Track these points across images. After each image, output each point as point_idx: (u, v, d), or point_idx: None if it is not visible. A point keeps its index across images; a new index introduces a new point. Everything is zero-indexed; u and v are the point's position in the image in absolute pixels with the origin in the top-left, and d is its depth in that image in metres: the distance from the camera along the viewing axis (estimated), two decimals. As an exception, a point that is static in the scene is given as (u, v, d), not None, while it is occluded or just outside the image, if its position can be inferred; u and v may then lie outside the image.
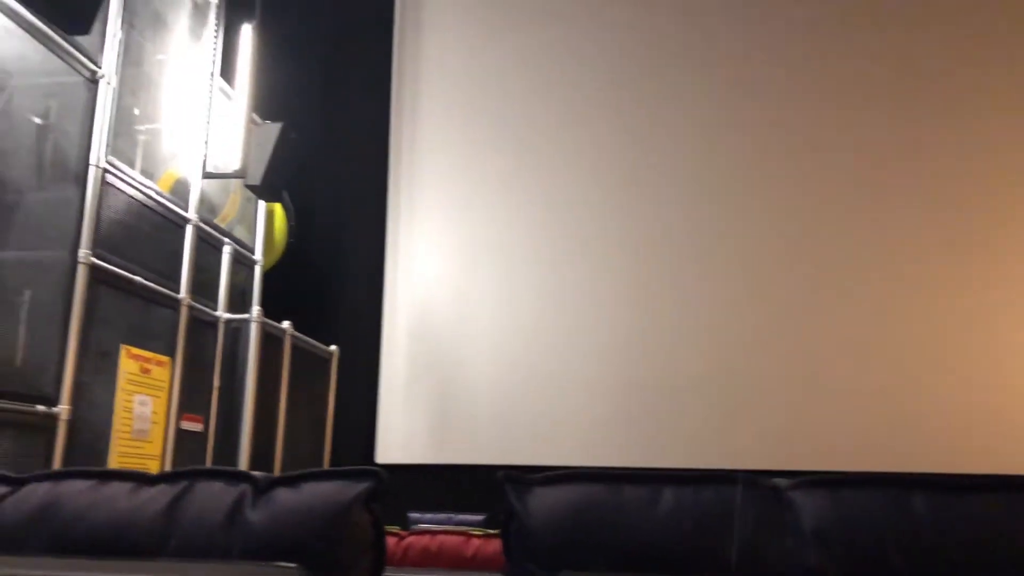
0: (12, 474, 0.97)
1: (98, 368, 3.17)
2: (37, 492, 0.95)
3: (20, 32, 2.85)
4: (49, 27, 2.92)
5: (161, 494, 0.95)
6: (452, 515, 4.14)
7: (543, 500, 1.05)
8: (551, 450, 5.34)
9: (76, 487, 0.95)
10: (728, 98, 5.65)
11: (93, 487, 0.95)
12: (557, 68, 5.93)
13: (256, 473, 0.98)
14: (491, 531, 2.35)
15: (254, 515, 0.95)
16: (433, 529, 2.42)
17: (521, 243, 5.74)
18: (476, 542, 2.21)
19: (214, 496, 0.95)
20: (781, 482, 1.02)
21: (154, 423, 3.41)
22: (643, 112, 5.77)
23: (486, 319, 5.66)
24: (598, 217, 5.68)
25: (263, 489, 0.97)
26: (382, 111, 6.08)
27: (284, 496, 0.97)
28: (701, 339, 5.42)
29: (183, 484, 0.96)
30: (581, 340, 5.52)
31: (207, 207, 4.08)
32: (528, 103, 5.91)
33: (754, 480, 1.02)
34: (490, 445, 5.46)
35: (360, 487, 0.99)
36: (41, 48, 2.96)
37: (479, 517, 3.98)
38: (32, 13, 2.83)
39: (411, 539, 2.30)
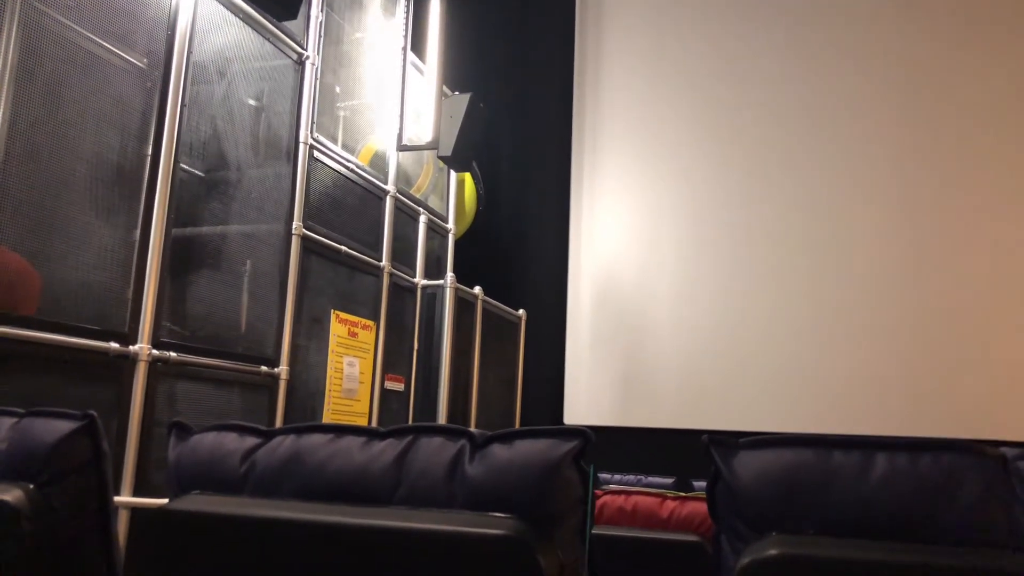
0: (262, 427, 1.09)
1: (311, 332, 3.42)
2: (284, 443, 1.06)
3: (237, 22, 3.09)
4: (262, 15, 3.15)
5: (390, 447, 1.03)
6: (641, 477, 4.17)
7: (750, 463, 1.05)
8: (734, 415, 5.26)
9: (316, 440, 1.05)
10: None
11: (331, 440, 1.05)
12: (744, 29, 5.73)
13: (473, 430, 1.05)
14: (683, 494, 2.35)
15: (472, 469, 1.02)
16: (627, 490, 2.45)
17: (704, 210, 5.63)
18: (671, 504, 2.23)
19: (437, 450, 1.02)
20: (1009, 451, 0.97)
21: (361, 383, 3.65)
22: (839, 71, 5.48)
23: (668, 285, 5.61)
24: (783, 184, 5.48)
25: (480, 445, 1.03)
26: (565, 79, 6.11)
27: (499, 452, 1.02)
28: (891, 303, 5.13)
29: (409, 438, 1.04)
30: (763, 307, 5.37)
31: (403, 178, 4.28)
32: (713, 69, 5.76)
33: (977, 448, 0.97)
34: (674, 409, 5.44)
35: (569, 445, 1.03)
36: (255, 35, 3.20)
37: (669, 480, 3.99)
38: (247, 3, 3.06)
39: (606, 498, 2.35)
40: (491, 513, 0.99)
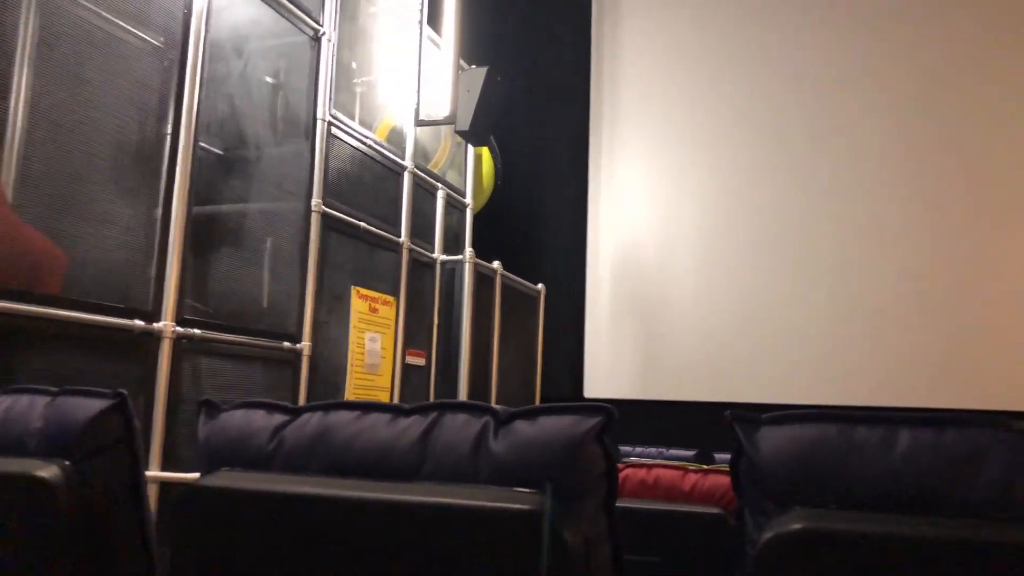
0: (289, 404, 1.11)
1: (332, 308, 3.45)
2: (311, 421, 1.07)
3: (254, -1, 3.09)
4: (278, -9, 3.14)
5: (415, 424, 1.04)
6: (663, 449, 4.18)
7: (773, 438, 1.06)
8: (755, 388, 5.26)
9: (343, 417, 1.06)
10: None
11: (358, 417, 1.06)
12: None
13: (497, 406, 1.06)
14: (706, 466, 2.35)
15: (496, 445, 1.03)
16: (648, 462, 2.45)
17: (725, 184, 5.59)
18: (693, 477, 2.23)
19: (461, 427, 1.04)
20: (1032, 424, 0.97)
21: (383, 358, 3.67)
22: (871, 47, 5.40)
23: (688, 257, 5.59)
24: (808, 160, 5.43)
25: (504, 421, 1.04)
26: (583, 50, 6.07)
27: (523, 428, 1.03)
28: (914, 276, 5.10)
29: (433, 415, 1.05)
30: (785, 281, 5.35)
31: (421, 154, 4.28)
32: (738, 38, 5.69)
33: (1002, 422, 0.97)
34: (694, 382, 5.44)
35: (592, 421, 1.03)
36: (271, 12, 3.19)
37: (690, 452, 4.00)
38: (263, -21, 3.05)
39: (627, 471, 2.35)
40: (516, 489, 1.00)
